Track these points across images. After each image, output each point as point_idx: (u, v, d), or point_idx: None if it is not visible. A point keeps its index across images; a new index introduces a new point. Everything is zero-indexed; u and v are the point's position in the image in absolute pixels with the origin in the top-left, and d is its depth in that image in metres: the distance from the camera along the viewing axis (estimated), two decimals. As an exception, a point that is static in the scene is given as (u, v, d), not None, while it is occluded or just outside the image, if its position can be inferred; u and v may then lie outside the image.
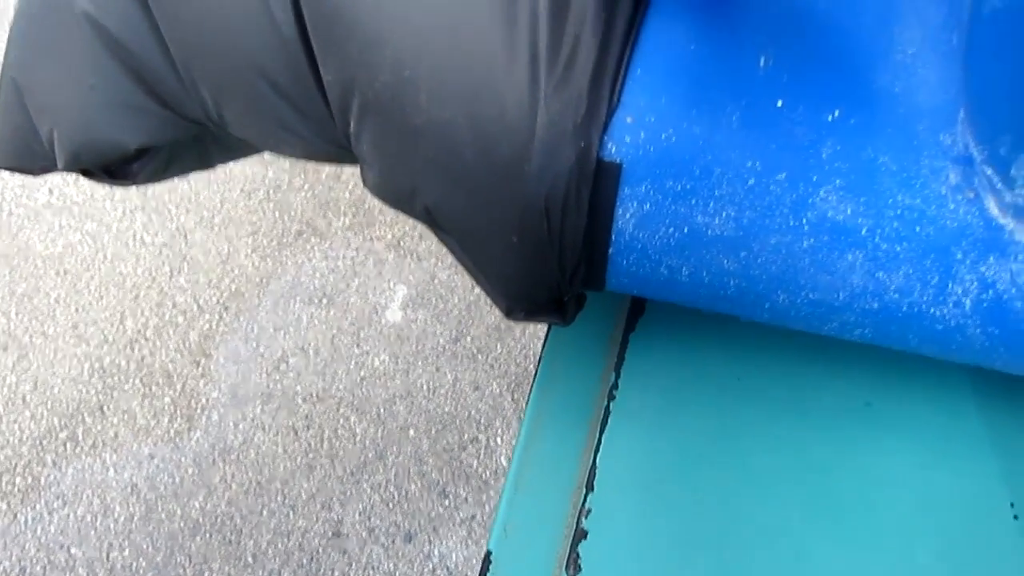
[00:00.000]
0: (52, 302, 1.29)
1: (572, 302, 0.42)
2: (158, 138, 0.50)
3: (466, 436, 1.19)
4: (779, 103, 0.37)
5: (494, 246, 0.40)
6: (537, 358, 1.27)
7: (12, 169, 0.54)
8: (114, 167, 0.52)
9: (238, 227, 1.32)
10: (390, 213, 1.30)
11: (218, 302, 1.28)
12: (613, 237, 0.38)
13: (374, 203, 1.31)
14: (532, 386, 0.49)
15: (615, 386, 0.47)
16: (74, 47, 0.48)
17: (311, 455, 1.19)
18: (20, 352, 1.26)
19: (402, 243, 1.28)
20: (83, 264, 1.31)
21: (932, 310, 0.38)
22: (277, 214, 1.32)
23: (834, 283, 0.38)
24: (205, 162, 0.56)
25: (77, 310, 1.28)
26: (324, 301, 1.26)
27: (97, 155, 0.50)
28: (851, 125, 0.37)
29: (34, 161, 0.53)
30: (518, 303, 0.43)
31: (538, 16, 0.37)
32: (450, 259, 1.27)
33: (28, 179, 1.36)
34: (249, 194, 1.34)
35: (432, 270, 1.27)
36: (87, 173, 0.52)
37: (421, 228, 1.27)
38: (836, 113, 0.37)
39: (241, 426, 1.21)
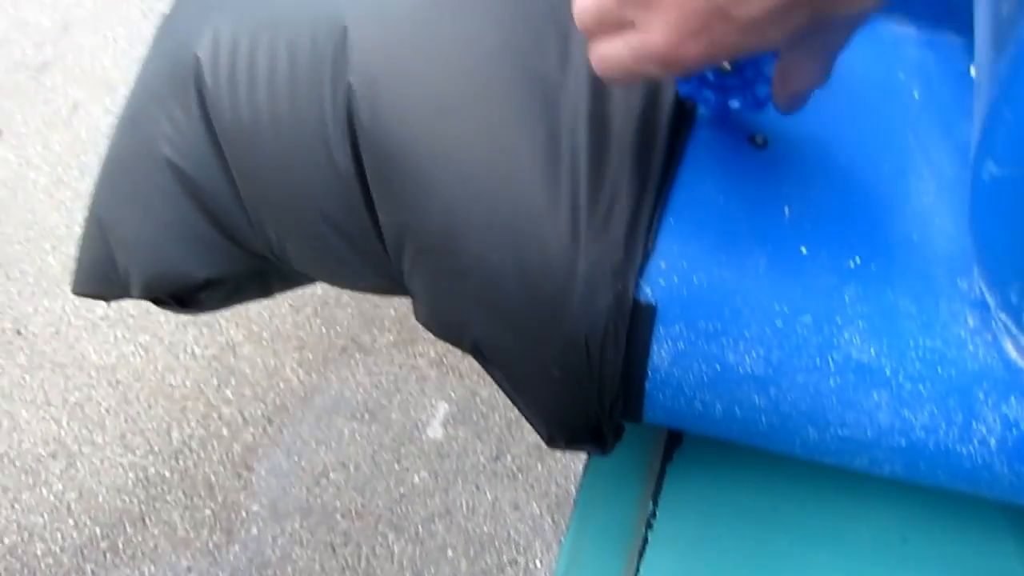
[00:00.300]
0: (103, 411, 1.33)
1: (611, 433, 0.44)
2: (225, 271, 0.54)
3: (505, 558, 1.18)
4: (803, 250, 0.40)
5: (537, 379, 0.43)
6: (578, 479, 1.27)
7: (89, 296, 0.59)
8: (183, 296, 0.56)
9: (285, 342, 1.36)
10: (430, 328, 1.34)
11: (262, 415, 1.31)
12: (649, 373, 0.41)
13: (417, 320, 1.35)
14: (572, 513, 0.50)
15: (653, 515, 0.48)
16: (155, 188, 0.53)
17: (348, 573, 1.18)
18: (68, 460, 1.29)
19: (445, 360, 1.31)
20: (135, 375, 1.36)
21: (958, 448, 0.39)
22: (323, 329, 1.36)
23: (861, 420, 0.39)
24: (265, 291, 0.60)
25: (126, 420, 1.32)
26: (366, 416, 1.28)
27: (169, 285, 0.54)
28: (872, 271, 0.39)
29: (111, 289, 0.57)
30: (559, 432, 0.45)
31: (579, 172, 0.40)
32: (490, 376, 1.29)
33: (89, 293, 1.42)
34: (297, 310, 1.38)
35: (474, 387, 1.29)
36: (158, 301, 0.57)
37: (463, 346, 1.31)
38: (857, 259, 0.39)
39: (280, 541, 1.22)
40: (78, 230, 1.48)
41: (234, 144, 0.49)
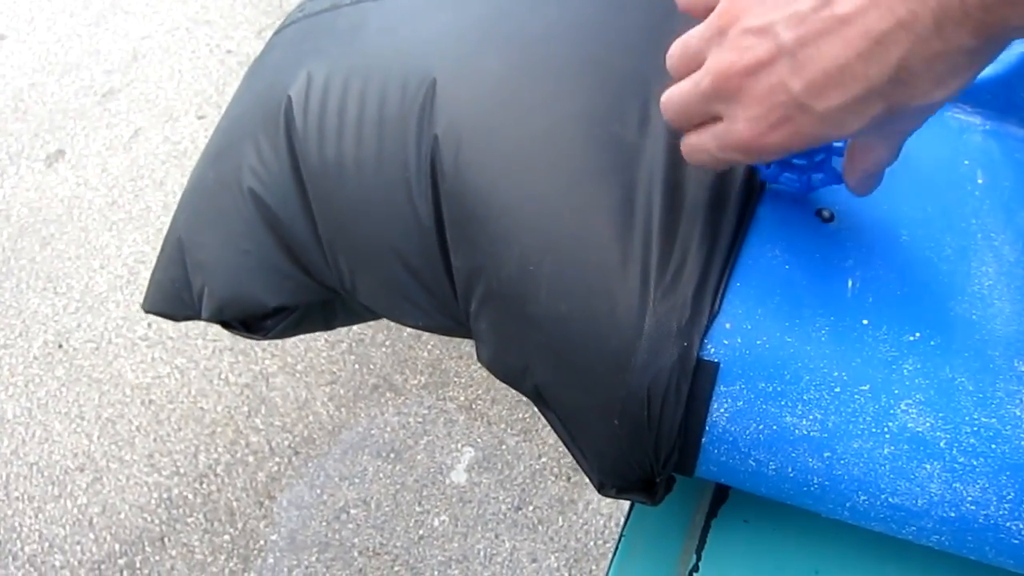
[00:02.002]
0: (133, 430, 1.35)
1: (663, 484, 0.45)
2: (295, 300, 0.56)
3: (524, 607, 1.18)
4: (865, 321, 0.41)
5: (595, 426, 0.44)
6: (598, 535, 1.26)
7: (159, 314, 0.61)
8: (251, 322, 0.58)
9: (318, 375, 1.38)
10: (465, 375, 1.35)
11: (289, 446, 1.32)
12: (707, 429, 0.42)
13: (450, 364, 1.37)
14: (612, 560, 0.51)
15: (695, 568, 0.49)
16: (236, 216, 0.55)
17: (364, 610, 1.19)
18: (95, 475, 1.31)
19: (474, 406, 1.33)
20: (168, 396, 1.38)
21: (1008, 524, 0.40)
22: (357, 366, 1.38)
23: (912, 490, 0.40)
24: (329, 324, 0.62)
25: (155, 440, 1.34)
26: (392, 456, 1.29)
27: (239, 310, 0.57)
28: (931, 346, 0.41)
29: (181, 309, 0.59)
30: (611, 480, 0.46)
31: (651, 232, 0.42)
32: (519, 425, 1.30)
33: (131, 312, 1.46)
34: (333, 344, 1.41)
35: (501, 435, 1.30)
36: (226, 325, 0.59)
37: (494, 392, 1.32)
38: (917, 334, 0.41)
39: (295, 572, 1.22)
40: (127, 251, 1.52)
41: (318, 181, 0.52)
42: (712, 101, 0.37)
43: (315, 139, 0.52)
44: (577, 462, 0.48)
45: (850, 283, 0.42)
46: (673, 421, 0.42)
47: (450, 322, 0.52)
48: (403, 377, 1.37)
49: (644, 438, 0.43)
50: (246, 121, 0.57)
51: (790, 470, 0.42)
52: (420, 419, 1.33)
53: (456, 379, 1.35)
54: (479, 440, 1.30)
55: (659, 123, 0.45)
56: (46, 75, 1.80)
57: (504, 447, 1.29)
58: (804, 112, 0.34)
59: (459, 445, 1.30)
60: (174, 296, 0.59)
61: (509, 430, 1.30)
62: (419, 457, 1.30)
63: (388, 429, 1.32)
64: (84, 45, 1.86)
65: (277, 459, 1.32)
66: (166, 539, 1.26)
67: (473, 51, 0.50)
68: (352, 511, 1.26)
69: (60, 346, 1.43)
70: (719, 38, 0.36)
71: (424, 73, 0.49)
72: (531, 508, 1.24)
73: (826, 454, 0.41)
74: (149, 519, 1.27)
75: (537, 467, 1.27)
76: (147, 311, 0.61)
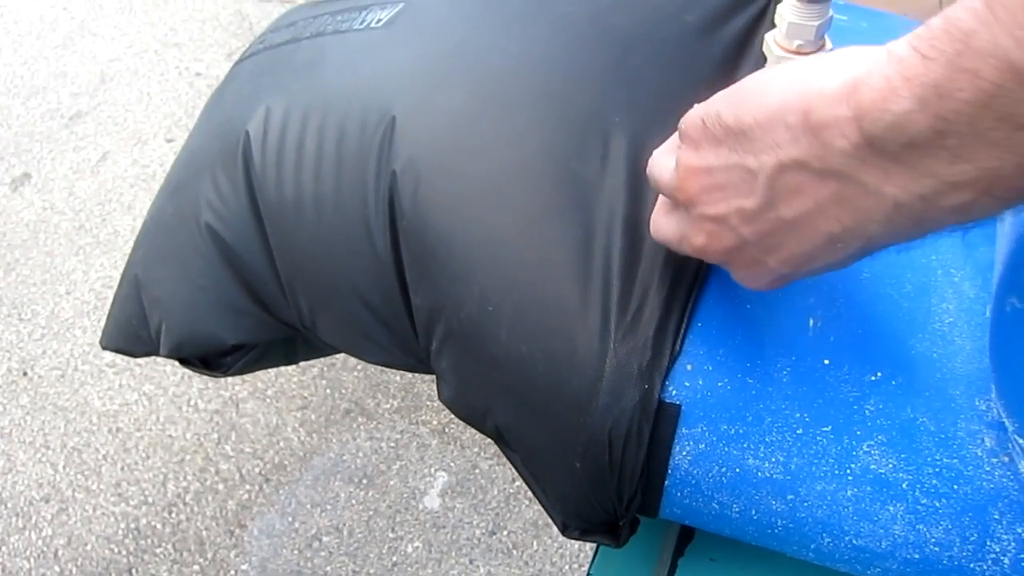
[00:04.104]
0: (100, 458, 1.32)
1: (626, 527, 0.45)
2: (254, 337, 0.55)
3: (498, 638, 1.16)
4: (826, 361, 0.41)
5: (557, 468, 0.44)
6: (573, 559, 1.25)
7: (117, 351, 0.60)
8: (210, 359, 0.57)
9: (289, 401, 1.37)
10: (438, 399, 1.34)
11: (260, 473, 1.30)
12: (669, 471, 0.42)
13: (423, 388, 1.35)
14: (579, 602, 0.50)
15: (661, 610, 0.48)
16: (193, 252, 0.54)
17: (336, 642, 1.16)
18: (61, 505, 1.29)
19: (447, 430, 1.31)
20: (135, 424, 1.36)
21: (972, 565, 0.39)
22: (328, 391, 1.37)
23: (876, 532, 0.40)
24: (291, 359, 0.61)
25: (123, 468, 1.32)
26: (364, 481, 1.28)
27: (197, 347, 0.55)
28: (892, 386, 0.40)
29: (139, 346, 0.58)
30: (575, 522, 0.46)
31: (611, 271, 0.42)
32: (492, 449, 1.29)
33: (98, 338, 1.43)
34: (304, 369, 1.39)
35: (474, 459, 1.29)
36: (184, 361, 0.58)
37: (466, 417, 1.31)
38: (879, 374, 0.41)
39: (267, 603, 1.20)
40: (94, 276, 1.50)
41: (276, 218, 0.51)
42: (675, 195, 0.36)
43: (273, 176, 0.51)
44: (540, 503, 0.47)
45: (811, 322, 0.42)
46: (635, 464, 0.41)
47: (411, 360, 0.51)
48: (375, 401, 1.35)
49: (606, 481, 0.42)
50: (205, 155, 0.56)
51: (754, 512, 0.41)
52: (392, 444, 1.31)
53: (429, 403, 1.34)
54: (452, 464, 1.29)
55: (619, 160, 0.45)
56: (12, 98, 1.78)
57: (478, 471, 1.28)
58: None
59: (432, 470, 1.29)
60: (131, 333, 0.58)
61: (482, 454, 1.29)
62: (392, 482, 1.28)
63: (360, 454, 1.31)
64: (51, 67, 1.83)
65: (248, 487, 1.30)
66: (134, 570, 1.23)
67: (433, 87, 0.49)
68: (324, 538, 1.24)
69: (25, 374, 1.40)
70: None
71: (383, 109, 0.48)
72: (505, 532, 1.23)
73: (789, 496, 0.40)
74: (116, 550, 1.24)
75: (511, 491, 1.26)
76: (105, 348, 0.60)
